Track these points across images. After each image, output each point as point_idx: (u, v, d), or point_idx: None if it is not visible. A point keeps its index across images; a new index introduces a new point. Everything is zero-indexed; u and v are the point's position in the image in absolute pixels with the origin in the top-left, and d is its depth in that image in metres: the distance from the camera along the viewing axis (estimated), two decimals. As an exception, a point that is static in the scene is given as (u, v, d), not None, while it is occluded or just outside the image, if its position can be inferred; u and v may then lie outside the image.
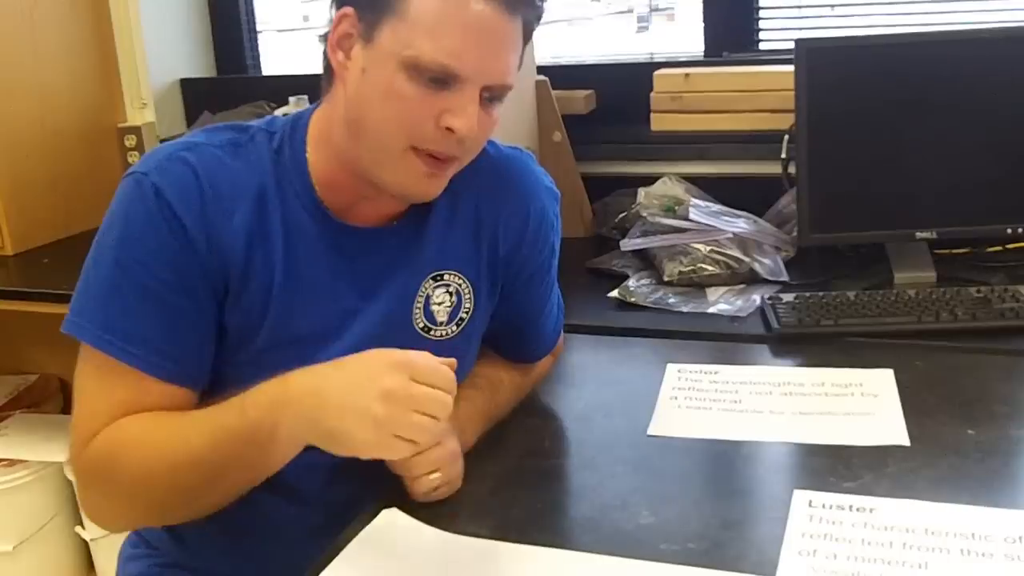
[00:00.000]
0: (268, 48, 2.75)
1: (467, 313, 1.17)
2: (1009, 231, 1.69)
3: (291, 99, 2.14)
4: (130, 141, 2.51)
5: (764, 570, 0.91)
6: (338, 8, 1.02)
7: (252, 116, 2.39)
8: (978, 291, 1.55)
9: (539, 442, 1.22)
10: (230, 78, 2.68)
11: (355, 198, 1.09)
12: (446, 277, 1.15)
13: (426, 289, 1.14)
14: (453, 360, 0.96)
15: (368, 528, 1.02)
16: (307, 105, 2.10)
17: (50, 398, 2.56)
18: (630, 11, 2.86)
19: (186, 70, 2.65)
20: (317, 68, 1.10)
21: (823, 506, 1.01)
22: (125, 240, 1.02)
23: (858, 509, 1.00)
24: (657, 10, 2.79)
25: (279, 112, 2.18)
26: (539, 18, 1.05)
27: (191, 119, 2.60)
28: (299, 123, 1.11)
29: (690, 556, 0.95)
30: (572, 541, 0.99)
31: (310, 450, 0.97)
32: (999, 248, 1.77)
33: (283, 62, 2.75)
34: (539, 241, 1.20)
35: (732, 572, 0.92)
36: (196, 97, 2.62)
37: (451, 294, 1.15)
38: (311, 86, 1.20)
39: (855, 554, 0.93)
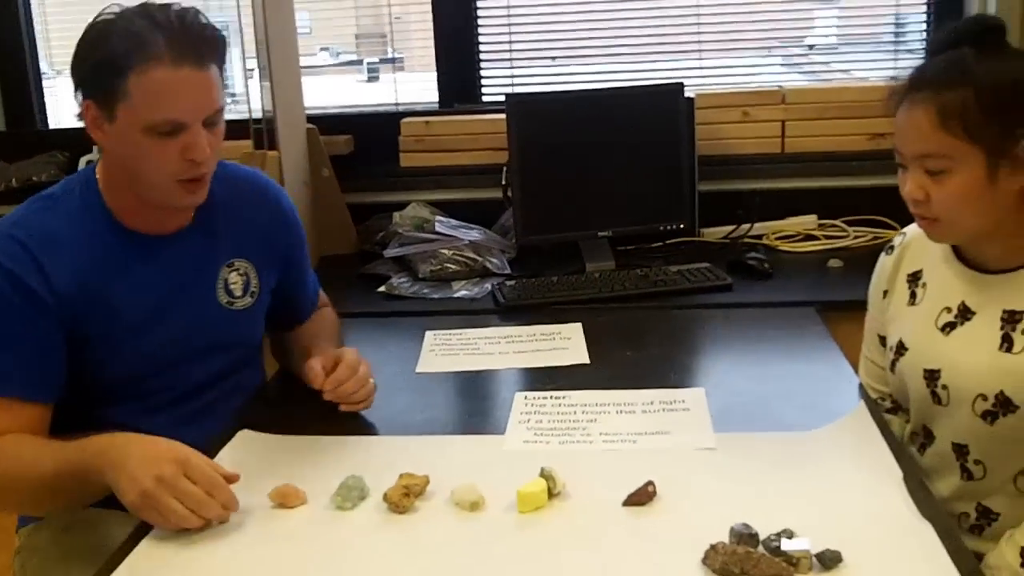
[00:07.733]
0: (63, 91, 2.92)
1: (256, 288, 1.61)
2: (661, 229, 2.36)
3: (95, 147, 2.46)
4: (-82, 192, 2.70)
5: (500, 432, 1.45)
6: (81, 99, 1.38)
7: (47, 164, 2.70)
8: (641, 271, 2.19)
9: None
10: (19, 132, 2.90)
11: (151, 215, 1.48)
12: (236, 263, 1.58)
13: (224, 274, 1.56)
14: (235, 475, 1.26)
15: (234, 440, 1.45)
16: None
17: None
18: (360, 61, 3.15)
19: (-27, 123, 2.84)
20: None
21: (535, 399, 1.56)
22: None
23: (556, 398, 1.56)
24: (386, 60, 3.07)
25: (83, 160, 2.52)
26: (223, 52, 1.41)
27: (-18, 170, 2.80)
28: (90, 175, 1.49)
29: (451, 430, 1.49)
30: (381, 432, 1.49)
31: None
32: (659, 244, 2.45)
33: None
34: (289, 223, 1.67)
35: (480, 435, 1.45)
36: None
37: (241, 275, 1.58)
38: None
39: (554, 420, 1.48)
